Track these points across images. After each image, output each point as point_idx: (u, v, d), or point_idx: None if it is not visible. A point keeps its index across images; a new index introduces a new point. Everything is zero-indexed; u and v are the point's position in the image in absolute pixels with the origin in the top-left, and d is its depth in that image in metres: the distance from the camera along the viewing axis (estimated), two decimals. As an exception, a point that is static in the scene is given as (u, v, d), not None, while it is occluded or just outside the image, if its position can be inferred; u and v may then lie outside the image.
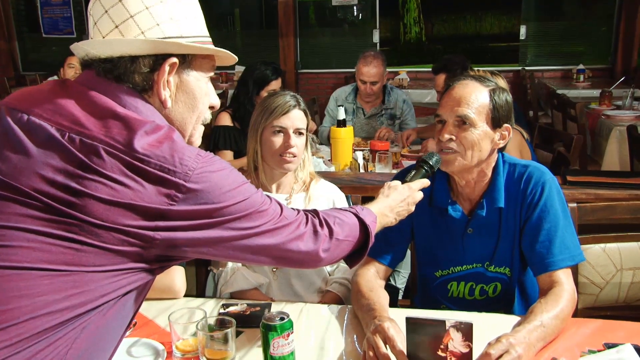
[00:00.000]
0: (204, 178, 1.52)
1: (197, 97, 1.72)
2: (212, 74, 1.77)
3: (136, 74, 1.60)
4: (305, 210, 1.84)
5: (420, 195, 2.31)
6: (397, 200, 2.22)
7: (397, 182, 2.30)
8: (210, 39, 1.74)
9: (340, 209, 2.03)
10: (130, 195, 1.45)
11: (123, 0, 1.57)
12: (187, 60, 1.66)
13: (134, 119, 1.53)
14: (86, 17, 1.69)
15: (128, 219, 1.45)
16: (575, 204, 3.03)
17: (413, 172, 2.38)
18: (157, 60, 1.61)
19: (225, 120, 4.90)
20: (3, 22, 12.09)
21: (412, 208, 2.28)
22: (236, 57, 1.81)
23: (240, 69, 10.68)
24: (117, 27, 1.57)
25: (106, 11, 1.58)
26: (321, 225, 1.82)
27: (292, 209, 1.81)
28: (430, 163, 2.41)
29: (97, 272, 1.46)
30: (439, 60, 5.57)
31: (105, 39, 1.59)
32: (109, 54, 1.58)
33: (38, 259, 1.41)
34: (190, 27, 1.66)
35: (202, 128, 1.82)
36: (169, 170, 1.48)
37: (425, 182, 2.36)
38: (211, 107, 1.80)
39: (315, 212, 1.87)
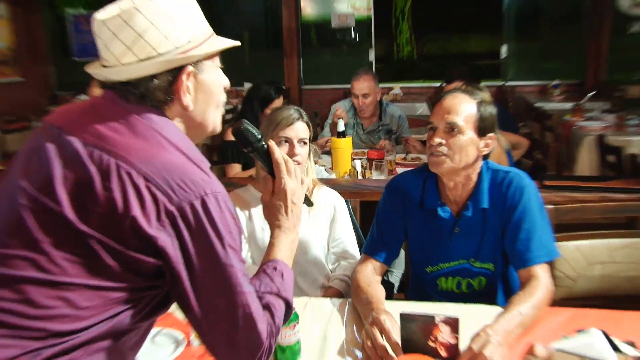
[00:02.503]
0: (204, 208, 1.48)
1: (213, 90, 1.68)
2: (219, 58, 1.71)
3: (157, 90, 1.56)
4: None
5: (299, 190, 1.95)
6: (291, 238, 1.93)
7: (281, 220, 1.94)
8: (210, 30, 1.68)
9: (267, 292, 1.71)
10: (126, 211, 1.41)
11: (129, 21, 1.52)
12: (200, 62, 1.62)
13: (152, 138, 1.52)
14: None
15: (126, 237, 1.42)
16: (552, 206, 3.06)
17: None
18: (174, 73, 1.57)
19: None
20: (40, 48, 12.16)
21: (297, 201, 1.93)
22: (239, 42, 1.73)
23: (249, 85, 10.73)
24: (129, 48, 1.53)
25: (115, 34, 1.53)
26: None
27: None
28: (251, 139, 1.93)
29: (113, 289, 1.45)
30: (432, 75, 5.60)
31: (123, 66, 1.54)
32: (128, 77, 1.55)
33: (62, 272, 1.41)
34: (195, 29, 1.62)
35: (222, 110, 1.76)
36: (168, 194, 1.44)
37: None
38: (224, 89, 1.74)
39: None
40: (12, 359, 1.35)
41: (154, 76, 1.56)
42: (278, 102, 4.95)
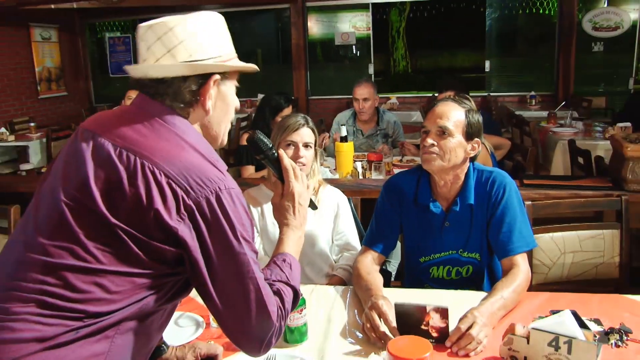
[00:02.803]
0: (220, 203, 1.48)
1: (229, 104, 1.71)
2: (237, 83, 1.75)
3: (186, 90, 1.58)
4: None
5: (305, 193, 1.96)
6: (298, 235, 1.92)
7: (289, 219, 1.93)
8: (235, 53, 1.72)
9: (276, 281, 1.71)
10: (149, 206, 1.42)
11: (173, 29, 1.57)
12: (225, 75, 1.66)
13: (173, 140, 1.53)
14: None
15: (150, 229, 1.43)
16: (530, 202, 3.07)
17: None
18: (204, 78, 1.60)
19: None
20: (82, 66, 12.36)
21: (303, 203, 1.94)
22: (257, 68, 1.77)
23: (261, 96, 10.75)
24: (169, 51, 1.57)
25: (159, 38, 1.57)
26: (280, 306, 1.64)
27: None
28: (263, 148, 1.94)
29: (140, 275, 1.46)
30: (425, 87, 5.65)
31: (163, 63, 1.58)
32: (164, 75, 1.57)
33: (95, 260, 1.43)
34: (224, 47, 1.66)
35: (229, 126, 1.78)
36: (187, 190, 1.45)
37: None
38: (235, 109, 1.76)
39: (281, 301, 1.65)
40: (57, 335, 1.37)
41: (185, 77, 1.58)
42: (287, 110, 4.94)
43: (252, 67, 1.73)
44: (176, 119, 1.58)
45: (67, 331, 1.38)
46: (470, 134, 2.56)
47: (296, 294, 1.72)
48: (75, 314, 1.39)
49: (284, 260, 1.78)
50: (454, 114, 2.55)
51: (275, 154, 1.92)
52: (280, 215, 1.92)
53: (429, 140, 2.54)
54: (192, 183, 1.46)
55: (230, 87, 1.69)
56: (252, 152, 1.97)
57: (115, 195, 1.44)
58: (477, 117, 2.59)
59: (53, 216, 1.47)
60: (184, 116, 1.61)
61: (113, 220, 1.42)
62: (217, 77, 1.62)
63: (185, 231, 1.45)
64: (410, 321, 2.00)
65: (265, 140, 1.91)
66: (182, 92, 1.59)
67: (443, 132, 2.53)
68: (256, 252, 1.58)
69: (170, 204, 1.43)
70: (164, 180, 1.44)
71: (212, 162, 1.54)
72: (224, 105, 1.69)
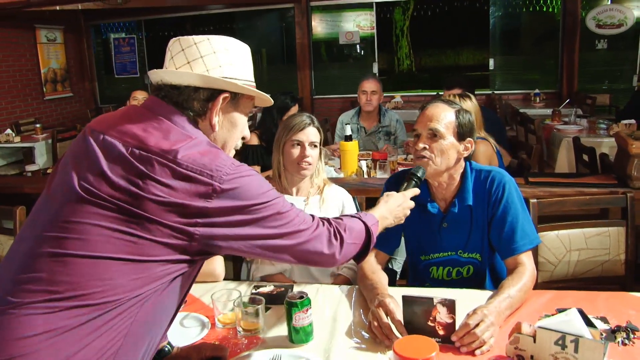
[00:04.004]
0: (236, 181, 1.53)
1: (237, 127, 1.76)
2: (250, 113, 1.83)
3: (196, 100, 1.65)
4: (320, 218, 1.80)
5: (412, 202, 2.26)
6: (394, 205, 2.18)
7: (394, 192, 2.26)
8: (254, 84, 1.79)
9: (348, 215, 1.96)
10: (175, 195, 1.47)
11: (198, 44, 1.67)
12: (237, 98, 1.72)
13: (181, 135, 1.57)
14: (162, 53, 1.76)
15: (174, 216, 1.47)
16: (535, 200, 3.05)
17: (405, 184, 2.36)
18: (214, 93, 1.66)
19: (254, 139, 4.88)
20: (87, 67, 12.39)
21: (408, 212, 2.23)
22: (272, 100, 1.87)
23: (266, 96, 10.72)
24: (189, 62, 1.66)
25: (182, 50, 1.67)
26: (335, 234, 1.78)
27: (310, 215, 1.77)
28: (419, 175, 2.39)
29: (151, 261, 1.47)
30: (429, 85, 5.66)
31: (181, 70, 1.66)
32: (179, 82, 1.64)
33: (108, 249, 1.44)
34: (243, 72, 1.74)
35: (233, 153, 1.83)
36: (207, 175, 1.50)
37: (416, 191, 2.33)
38: (243, 138, 1.83)
39: (328, 221, 1.82)
40: (68, 325, 1.40)
41: (197, 88, 1.65)
42: (294, 109, 4.95)
43: (266, 96, 1.82)
44: (185, 121, 1.63)
45: (78, 321, 1.40)
46: (461, 134, 2.53)
47: (366, 227, 1.93)
48: (85, 302, 1.41)
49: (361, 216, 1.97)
50: (444, 116, 2.52)
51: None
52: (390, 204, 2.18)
53: (421, 145, 2.52)
54: (213, 170, 1.51)
55: (240, 112, 1.76)
56: (409, 175, 2.40)
57: (134, 188, 1.47)
58: (468, 117, 2.57)
59: (65, 209, 1.49)
60: (192, 124, 1.65)
61: (137, 210, 1.46)
62: (227, 94, 1.68)
63: (212, 215, 1.51)
64: (417, 315, 2.00)
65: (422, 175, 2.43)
66: (192, 101, 1.65)
67: (434, 135, 2.50)
68: (284, 202, 1.68)
69: (192, 192, 1.49)
70: (183, 170, 1.49)
71: (224, 154, 1.61)
72: (230, 125, 1.75)
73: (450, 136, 2.51)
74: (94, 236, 1.44)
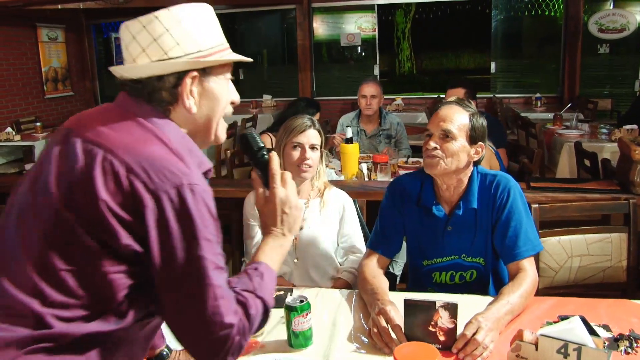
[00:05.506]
0: (187, 197, 1.40)
1: (218, 99, 1.61)
2: (230, 73, 1.65)
3: (163, 90, 1.52)
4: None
5: (295, 199, 1.81)
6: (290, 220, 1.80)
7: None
8: (225, 44, 1.63)
9: (244, 290, 1.55)
10: (106, 196, 1.36)
11: (147, 26, 1.51)
12: (207, 71, 1.57)
13: (143, 133, 1.47)
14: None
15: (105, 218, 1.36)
16: (537, 205, 3.05)
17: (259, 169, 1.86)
18: (180, 76, 1.52)
19: (267, 142, 4.85)
20: (88, 66, 12.39)
21: (289, 211, 1.79)
22: (249, 59, 1.66)
23: (267, 97, 10.77)
24: (144, 50, 1.51)
25: (134, 37, 1.52)
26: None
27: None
28: (257, 140, 1.84)
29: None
30: (430, 88, 5.66)
31: (133, 64, 1.53)
32: (138, 75, 1.52)
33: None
34: (206, 40, 1.56)
35: (225, 124, 1.69)
36: (145, 182, 1.37)
37: (275, 159, 1.81)
38: (232, 103, 1.67)
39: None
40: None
41: (160, 77, 1.52)
42: (315, 117, 4.88)
43: (241, 58, 1.64)
44: (153, 116, 1.52)
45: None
46: (474, 137, 2.53)
47: (265, 306, 1.58)
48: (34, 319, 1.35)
49: (256, 269, 1.63)
50: (457, 117, 2.52)
51: (266, 157, 1.81)
52: (263, 222, 1.81)
53: (432, 144, 2.52)
54: (152, 175, 1.38)
55: (218, 81, 1.61)
56: (241, 149, 1.87)
57: (72, 190, 1.39)
58: (482, 121, 2.56)
59: (22, 220, 1.45)
60: (165, 114, 1.55)
61: (66, 214, 1.37)
62: (194, 73, 1.54)
63: (140, 225, 1.37)
64: (418, 322, 1.99)
65: (258, 139, 1.82)
66: (159, 92, 1.53)
67: (446, 136, 2.50)
68: (222, 255, 1.47)
69: (126, 196, 1.37)
70: (122, 172, 1.37)
71: (179, 156, 1.46)
72: (210, 101, 1.60)
73: (463, 138, 2.51)
74: (41, 247, 1.39)
